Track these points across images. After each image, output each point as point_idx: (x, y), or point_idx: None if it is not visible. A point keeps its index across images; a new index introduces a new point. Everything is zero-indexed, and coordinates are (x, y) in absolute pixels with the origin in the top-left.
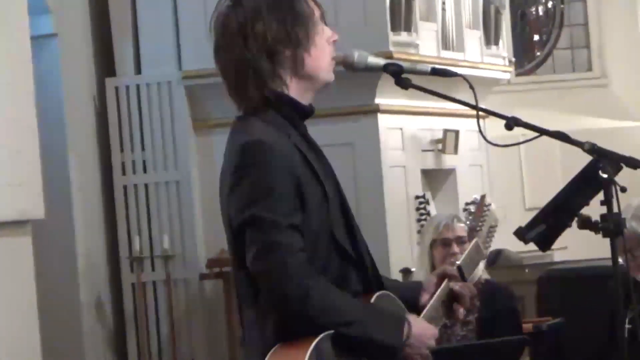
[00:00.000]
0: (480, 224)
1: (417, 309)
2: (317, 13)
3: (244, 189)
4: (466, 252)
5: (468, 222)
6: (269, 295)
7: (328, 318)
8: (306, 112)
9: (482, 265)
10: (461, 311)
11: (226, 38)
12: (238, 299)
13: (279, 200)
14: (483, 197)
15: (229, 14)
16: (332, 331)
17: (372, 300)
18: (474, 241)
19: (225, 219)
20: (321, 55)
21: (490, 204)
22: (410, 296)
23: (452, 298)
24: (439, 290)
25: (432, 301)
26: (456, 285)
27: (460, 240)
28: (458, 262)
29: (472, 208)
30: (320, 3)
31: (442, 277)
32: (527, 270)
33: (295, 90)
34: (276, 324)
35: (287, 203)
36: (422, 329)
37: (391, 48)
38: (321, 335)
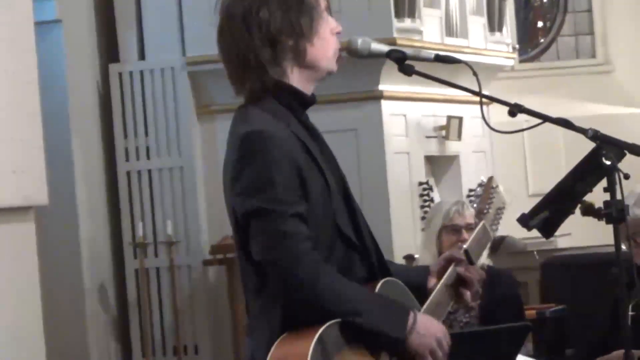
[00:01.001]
0: (487, 206)
1: (424, 294)
2: (322, 4)
3: (246, 180)
4: (473, 235)
5: (475, 205)
6: (279, 283)
7: (336, 306)
8: (307, 101)
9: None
10: (468, 295)
11: (230, 23)
12: (244, 288)
13: (282, 189)
14: (490, 178)
15: None
16: (337, 320)
17: (378, 287)
18: (481, 223)
19: (229, 209)
20: (324, 46)
21: (497, 186)
22: (417, 281)
23: (458, 282)
24: (446, 274)
25: (439, 285)
26: (462, 269)
27: (469, 227)
28: (465, 246)
29: (479, 190)
30: None
31: (449, 262)
32: (530, 257)
33: (297, 79)
34: (282, 314)
35: (291, 192)
36: (429, 320)
37: (395, 34)
38: (326, 324)
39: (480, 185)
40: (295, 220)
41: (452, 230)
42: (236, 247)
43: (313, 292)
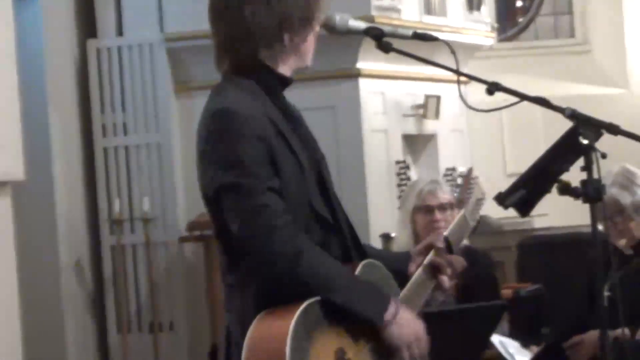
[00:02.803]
0: (467, 196)
1: (405, 279)
2: None
3: (216, 156)
4: (453, 223)
5: (455, 194)
6: (256, 258)
7: (315, 281)
8: (285, 82)
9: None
10: (444, 279)
11: None
12: (220, 263)
13: (252, 165)
14: (470, 169)
15: None
16: (317, 299)
17: (358, 269)
18: (461, 213)
19: (200, 186)
20: (314, 38)
21: (477, 177)
22: (398, 267)
23: (436, 268)
24: (425, 260)
25: (418, 271)
26: (436, 257)
27: (442, 207)
28: (445, 233)
29: (459, 181)
30: None
31: (429, 248)
32: (507, 237)
33: (282, 63)
34: (256, 290)
35: (261, 168)
36: (411, 315)
37: (373, 12)
38: (306, 303)
39: (461, 175)
40: (271, 194)
41: (424, 210)
42: (214, 226)
43: (291, 266)
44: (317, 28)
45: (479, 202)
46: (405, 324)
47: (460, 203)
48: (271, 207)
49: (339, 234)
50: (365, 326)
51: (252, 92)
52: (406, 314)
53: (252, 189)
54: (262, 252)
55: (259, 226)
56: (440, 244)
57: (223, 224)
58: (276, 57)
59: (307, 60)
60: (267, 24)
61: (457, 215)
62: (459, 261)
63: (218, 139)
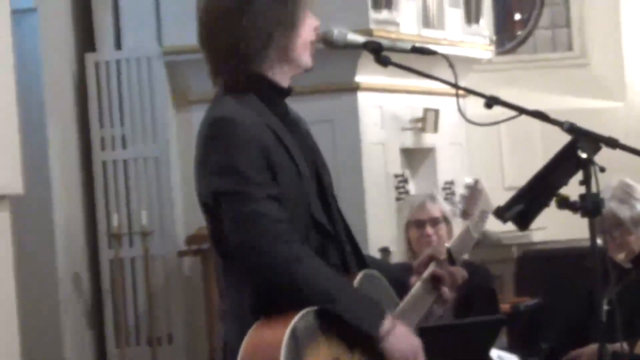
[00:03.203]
0: (472, 208)
1: (405, 290)
2: None
3: (215, 163)
4: (456, 235)
5: (460, 206)
6: (255, 265)
7: (312, 290)
8: (284, 93)
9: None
10: (445, 291)
11: (222, 10)
12: (216, 273)
13: (251, 172)
14: (477, 181)
15: None
16: (313, 308)
17: (357, 279)
18: (465, 225)
19: (198, 195)
20: (307, 40)
21: (483, 189)
22: (399, 277)
23: (436, 280)
24: (426, 272)
25: (418, 282)
26: (438, 268)
27: (434, 222)
28: (448, 245)
29: (465, 192)
30: None
31: (431, 259)
32: (506, 250)
33: (277, 72)
34: (254, 297)
35: (260, 175)
36: (408, 330)
37: (372, 26)
38: (302, 312)
39: (466, 186)
40: (270, 201)
41: (416, 224)
42: (209, 233)
43: (289, 274)
44: (307, 30)
45: (484, 214)
46: (402, 339)
47: (464, 214)
48: (270, 215)
49: (338, 242)
50: (361, 338)
51: (251, 102)
52: (403, 329)
53: (250, 196)
54: (260, 260)
55: (257, 233)
56: (442, 256)
57: (220, 230)
58: (269, 67)
59: (302, 64)
60: (254, 39)
61: (461, 226)
62: (460, 273)
63: (216, 145)
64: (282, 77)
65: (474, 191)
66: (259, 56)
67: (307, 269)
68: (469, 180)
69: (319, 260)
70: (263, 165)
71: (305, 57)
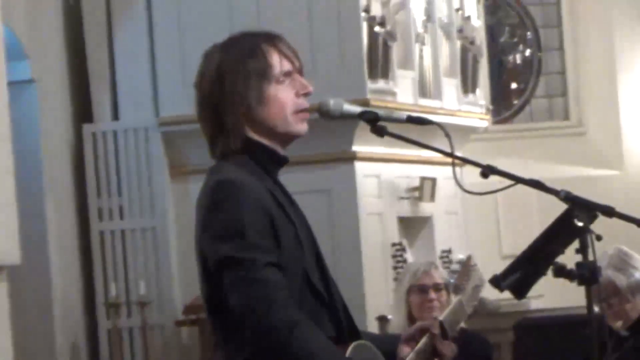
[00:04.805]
0: (465, 283)
1: None
2: (277, 68)
3: (218, 227)
4: (449, 308)
5: (453, 280)
6: (253, 329)
7: (307, 356)
8: (280, 160)
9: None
10: None
11: (205, 85)
12: (213, 340)
13: (255, 237)
14: (469, 257)
15: (204, 66)
16: None
17: (349, 350)
18: (457, 299)
19: (199, 258)
20: (277, 108)
21: (475, 264)
22: (389, 348)
23: (432, 353)
24: (420, 344)
25: (411, 354)
26: (440, 342)
27: (437, 287)
28: (440, 318)
29: (458, 267)
30: (295, 53)
31: (422, 332)
32: (503, 318)
33: (266, 141)
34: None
35: (263, 240)
36: None
37: (368, 95)
38: None
39: (459, 262)
40: (271, 268)
41: (419, 290)
42: (203, 298)
43: (285, 340)
44: (286, 99)
45: (477, 289)
46: None
47: (457, 289)
48: (271, 282)
49: (333, 310)
50: None
51: (249, 167)
52: None
53: (253, 263)
54: (259, 325)
55: (257, 299)
56: (436, 330)
57: (220, 296)
58: (259, 136)
59: (290, 132)
60: (235, 113)
61: (454, 300)
62: (452, 348)
63: (219, 210)
64: (274, 145)
65: (466, 266)
66: (245, 126)
67: (302, 336)
68: (461, 256)
69: (315, 329)
70: (266, 228)
71: (279, 122)
